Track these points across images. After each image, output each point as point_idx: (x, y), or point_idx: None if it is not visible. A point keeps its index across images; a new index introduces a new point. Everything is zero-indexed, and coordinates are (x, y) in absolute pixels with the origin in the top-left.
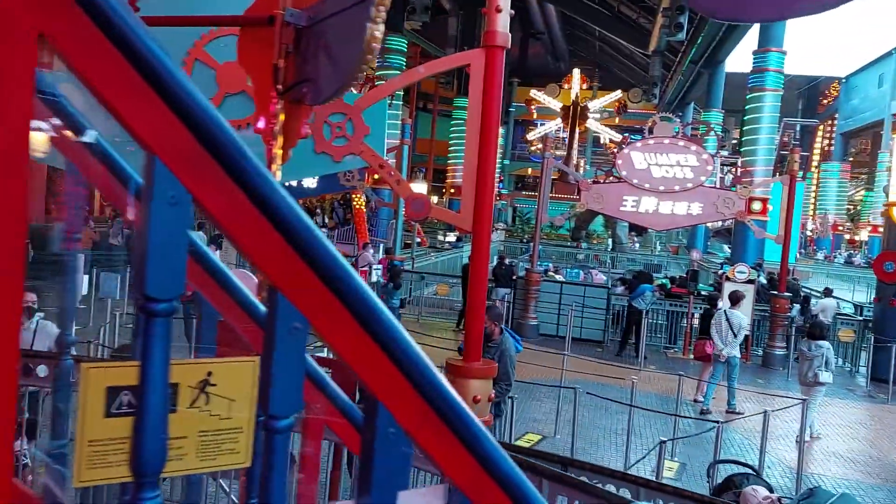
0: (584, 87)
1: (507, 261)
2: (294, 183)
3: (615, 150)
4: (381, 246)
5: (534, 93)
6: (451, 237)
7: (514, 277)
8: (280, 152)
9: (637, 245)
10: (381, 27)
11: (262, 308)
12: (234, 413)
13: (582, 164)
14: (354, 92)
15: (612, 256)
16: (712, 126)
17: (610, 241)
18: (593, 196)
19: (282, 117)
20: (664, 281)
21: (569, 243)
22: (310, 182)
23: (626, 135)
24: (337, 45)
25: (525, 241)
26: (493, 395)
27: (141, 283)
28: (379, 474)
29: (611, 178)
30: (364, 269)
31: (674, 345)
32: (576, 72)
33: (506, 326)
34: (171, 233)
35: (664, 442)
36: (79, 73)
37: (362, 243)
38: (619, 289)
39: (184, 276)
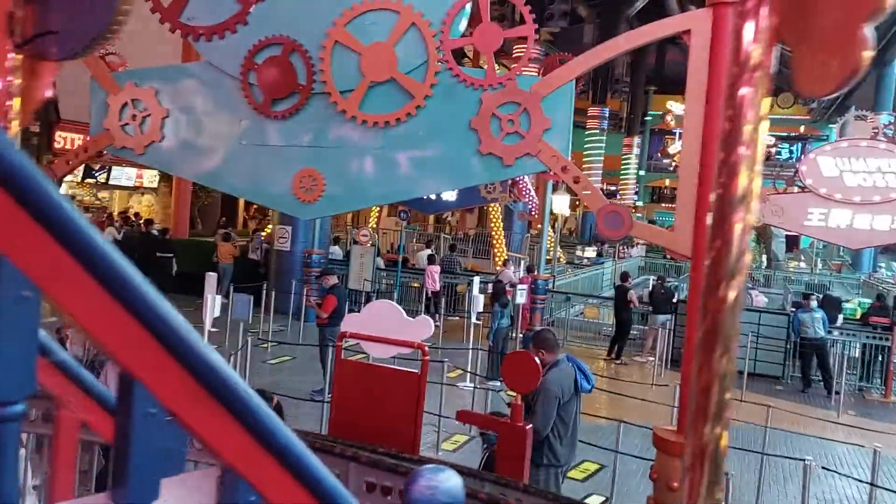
0: None
1: (666, 282)
2: (434, 196)
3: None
4: (522, 263)
5: (670, 104)
6: (591, 252)
7: (675, 301)
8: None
9: (802, 262)
10: None
11: None
12: None
13: None
14: (532, 75)
15: (767, 275)
16: None
17: (763, 257)
18: (772, 209)
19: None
20: (853, 308)
21: None
22: (449, 195)
23: (775, 141)
24: None
25: (668, 257)
26: None
27: None
28: (138, 461)
29: (792, 188)
30: (508, 289)
31: (870, 384)
32: None
33: (570, 356)
34: None
35: None
36: None
37: (502, 260)
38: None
39: None
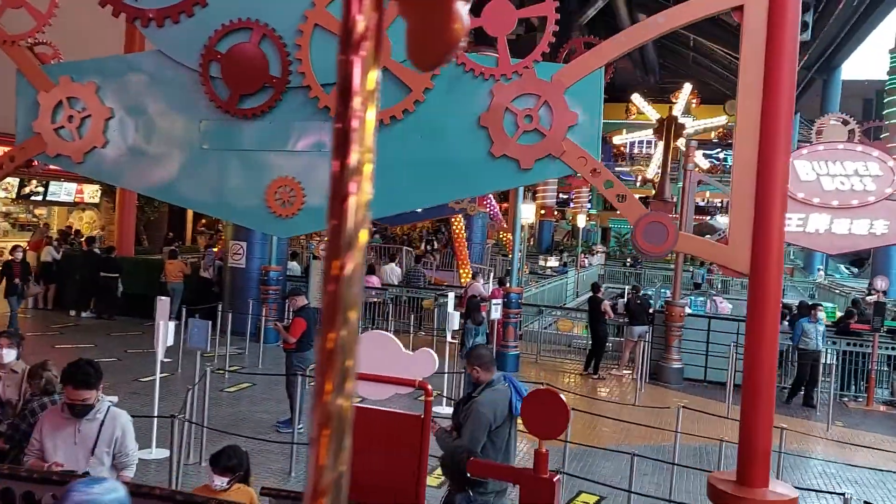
0: (694, 102)
1: (641, 292)
2: None
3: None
4: (490, 275)
5: (635, 97)
6: (553, 262)
7: (652, 312)
8: None
9: None
10: None
11: None
12: None
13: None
14: (553, 63)
15: (724, 280)
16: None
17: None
18: None
19: None
20: (827, 314)
21: (671, 265)
22: None
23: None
24: None
25: (627, 265)
26: None
27: None
28: None
29: None
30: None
31: (848, 391)
32: (687, 86)
33: (507, 374)
34: None
35: None
36: None
37: (469, 273)
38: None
39: None
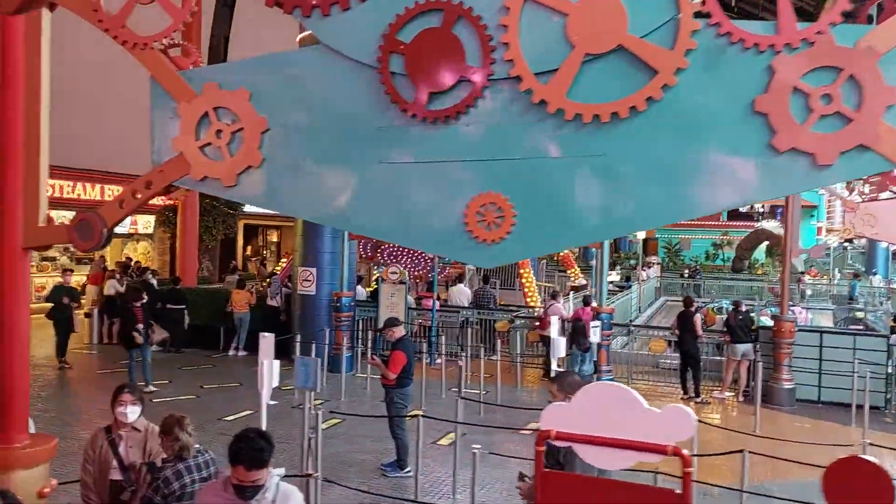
0: None
1: (742, 307)
2: None
3: None
4: (562, 294)
5: None
6: (615, 276)
7: (755, 328)
8: None
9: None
10: None
11: None
12: None
13: None
14: (845, 23)
15: (792, 289)
16: None
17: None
18: (862, 219)
19: None
20: None
21: (727, 274)
22: None
23: None
24: None
25: (685, 276)
26: None
27: None
28: None
29: (886, 193)
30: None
31: None
32: None
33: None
34: None
35: None
36: None
37: (532, 292)
38: None
39: None
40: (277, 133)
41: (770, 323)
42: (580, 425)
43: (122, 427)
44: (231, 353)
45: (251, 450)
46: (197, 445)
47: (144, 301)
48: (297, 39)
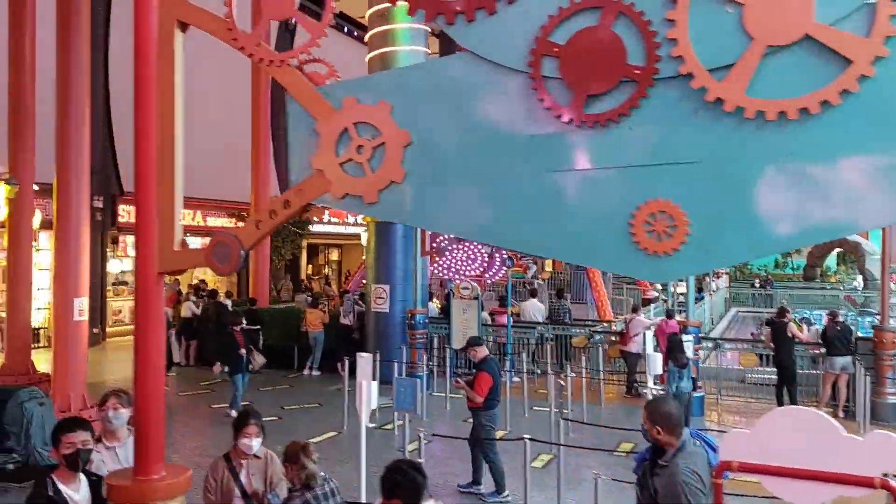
0: None
1: (839, 318)
2: None
3: None
4: (653, 308)
5: None
6: (681, 288)
7: (854, 340)
8: None
9: None
10: None
11: None
12: None
13: None
14: None
15: (867, 296)
16: None
17: (859, 277)
18: None
19: None
20: None
21: (798, 283)
22: None
23: None
24: None
25: (756, 285)
26: None
27: None
28: None
29: None
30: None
31: None
32: None
33: (693, 430)
34: None
35: None
36: None
37: (606, 304)
38: None
39: None
40: (421, 146)
41: (869, 333)
42: (766, 455)
43: (242, 455)
44: (306, 372)
45: (411, 484)
46: (322, 473)
47: (244, 325)
48: (367, 59)
